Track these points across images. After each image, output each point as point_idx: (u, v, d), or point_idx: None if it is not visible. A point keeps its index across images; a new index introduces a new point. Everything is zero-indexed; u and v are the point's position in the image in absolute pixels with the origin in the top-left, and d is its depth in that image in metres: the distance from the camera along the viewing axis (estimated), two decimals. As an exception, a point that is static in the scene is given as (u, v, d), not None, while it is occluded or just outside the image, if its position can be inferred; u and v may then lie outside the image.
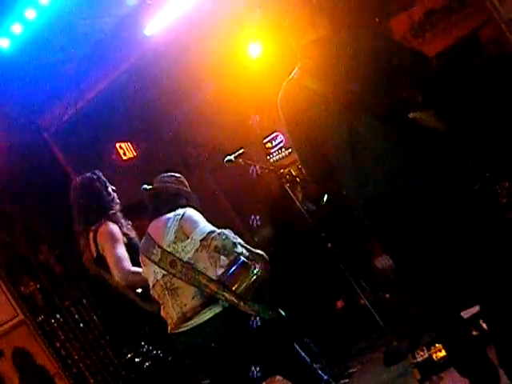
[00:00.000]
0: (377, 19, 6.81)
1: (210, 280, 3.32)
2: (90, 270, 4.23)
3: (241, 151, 4.47)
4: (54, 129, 6.31)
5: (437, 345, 4.05)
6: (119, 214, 4.24)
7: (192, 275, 3.33)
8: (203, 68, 6.71)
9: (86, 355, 6.10)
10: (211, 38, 6.20)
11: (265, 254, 3.45)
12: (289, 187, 4.94)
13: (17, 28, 4.86)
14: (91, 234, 4.11)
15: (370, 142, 2.82)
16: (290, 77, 3.10)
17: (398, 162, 2.78)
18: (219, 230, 3.42)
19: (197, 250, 3.38)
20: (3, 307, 5.84)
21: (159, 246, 3.44)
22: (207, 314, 3.35)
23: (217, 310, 3.34)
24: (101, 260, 4.03)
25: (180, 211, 3.53)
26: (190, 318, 3.37)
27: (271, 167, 4.92)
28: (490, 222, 2.79)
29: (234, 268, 3.31)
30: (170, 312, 3.45)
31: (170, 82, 6.67)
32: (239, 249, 3.35)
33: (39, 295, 5.99)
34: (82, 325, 6.16)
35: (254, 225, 4.39)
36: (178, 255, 3.39)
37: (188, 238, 3.41)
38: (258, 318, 3.34)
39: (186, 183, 3.85)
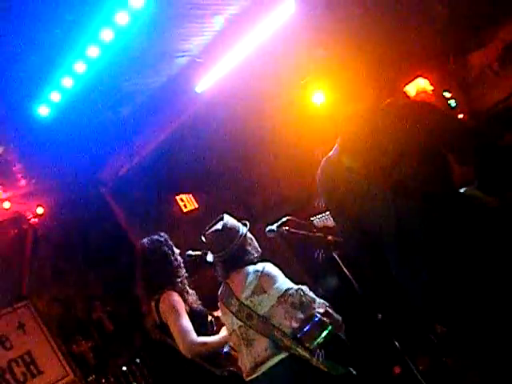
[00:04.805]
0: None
1: (285, 335, 3.43)
2: (153, 334, 4.08)
3: (285, 219, 4.18)
4: (111, 184, 6.33)
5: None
6: (185, 281, 4.07)
7: (267, 329, 3.47)
8: (263, 118, 6.59)
9: (138, 417, 6.01)
10: (268, 89, 6.08)
11: (339, 317, 3.55)
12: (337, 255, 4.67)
13: (63, 90, 4.90)
14: (153, 303, 3.95)
15: (419, 227, 2.60)
16: (330, 154, 2.87)
17: (450, 247, 2.54)
18: (296, 287, 3.53)
19: (273, 305, 3.48)
20: (54, 367, 5.79)
21: (237, 299, 3.58)
22: (274, 360, 3.46)
23: (282, 355, 3.45)
24: (164, 327, 3.90)
25: (259, 267, 3.61)
26: (260, 365, 3.49)
27: (318, 234, 4.60)
28: None
29: (309, 325, 3.43)
30: (244, 361, 3.59)
31: (229, 133, 6.58)
32: (316, 306, 3.48)
33: (91, 354, 5.95)
34: (134, 384, 6.08)
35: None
36: (254, 308, 3.52)
37: (265, 292, 3.52)
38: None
39: (234, 225, 3.73)
